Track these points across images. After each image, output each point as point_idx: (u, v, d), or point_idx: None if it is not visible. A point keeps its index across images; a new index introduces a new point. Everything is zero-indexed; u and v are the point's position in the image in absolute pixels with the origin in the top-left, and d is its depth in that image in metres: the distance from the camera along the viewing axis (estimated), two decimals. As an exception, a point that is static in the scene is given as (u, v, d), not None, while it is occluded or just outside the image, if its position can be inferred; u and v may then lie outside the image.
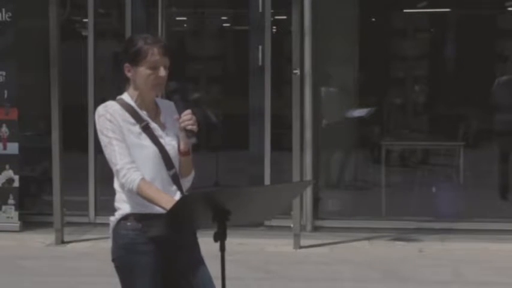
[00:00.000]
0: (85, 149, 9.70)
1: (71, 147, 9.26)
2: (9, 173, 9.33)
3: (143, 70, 3.94)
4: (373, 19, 11.47)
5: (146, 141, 3.96)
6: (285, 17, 9.85)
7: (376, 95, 11.12)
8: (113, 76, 9.43)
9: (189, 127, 3.94)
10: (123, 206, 3.99)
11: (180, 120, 3.96)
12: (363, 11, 10.66)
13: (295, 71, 8.61)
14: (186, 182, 4.10)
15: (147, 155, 3.94)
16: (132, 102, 4.00)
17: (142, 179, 3.87)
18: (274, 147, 9.61)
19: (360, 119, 10.60)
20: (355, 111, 10.61)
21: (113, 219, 4.03)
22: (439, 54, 11.36)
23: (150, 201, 3.87)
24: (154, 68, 3.93)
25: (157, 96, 4.13)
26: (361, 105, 10.69)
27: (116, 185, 4.01)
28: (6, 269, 7.89)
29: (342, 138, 10.45)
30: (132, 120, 3.96)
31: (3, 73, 9.25)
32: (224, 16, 11.66)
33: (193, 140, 3.98)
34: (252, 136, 9.93)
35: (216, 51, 11.27)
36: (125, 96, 4.03)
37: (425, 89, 11.40)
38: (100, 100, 9.74)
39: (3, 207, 9.34)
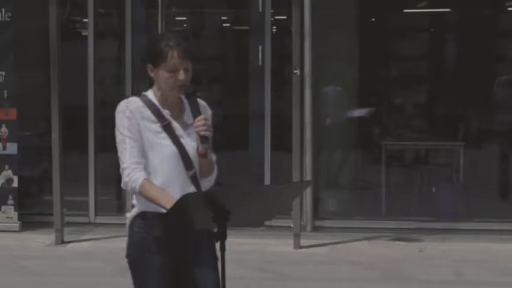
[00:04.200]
0: (85, 149, 9.70)
1: (71, 147, 9.26)
2: (8, 173, 9.32)
3: (163, 73, 3.95)
4: (373, 19, 11.47)
5: (166, 140, 3.96)
6: (285, 17, 9.85)
7: (376, 95, 11.11)
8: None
9: (202, 133, 3.95)
10: (139, 203, 4.00)
11: (194, 126, 3.97)
12: (363, 11, 10.66)
13: (295, 71, 8.61)
14: (207, 182, 4.10)
15: (165, 154, 3.95)
16: (155, 100, 4.01)
17: (146, 179, 3.88)
18: (274, 147, 9.61)
19: (360, 119, 10.59)
20: (356, 111, 10.61)
21: (128, 216, 4.07)
22: (439, 54, 11.35)
23: (152, 200, 3.87)
24: (174, 71, 3.93)
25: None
26: (361, 105, 10.68)
27: None
28: (6, 269, 7.89)
29: (342, 138, 10.45)
30: (153, 117, 3.97)
31: (3, 73, 9.25)
32: (224, 16, 11.65)
33: (207, 146, 3.95)
34: (252, 136, 9.93)
35: (216, 51, 11.26)
36: (149, 93, 4.05)
37: (425, 89, 11.39)
38: (100, 100, 9.84)
39: (3, 208, 9.33)
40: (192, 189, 3.98)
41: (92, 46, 9.73)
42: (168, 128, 3.97)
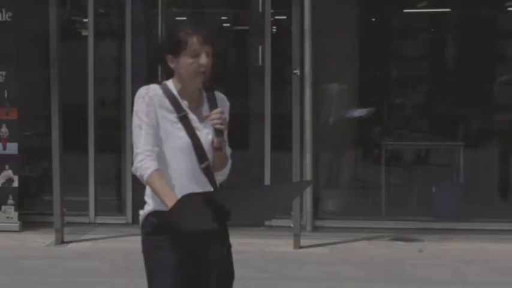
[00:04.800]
0: (85, 149, 9.70)
1: (71, 147, 9.26)
2: (8, 173, 9.33)
3: (185, 59, 3.98)
4: (373, 19, 11.46)
5: (181, 131, 3.97)
6: (285, 17, 9.84)
7: (376, 94, 11.11)
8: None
9: (217, 126, 3.95)
10: (151, 201, 4.01)
11: (209, 118, 3.97)
12: (363, 11, 10.66)
13: (295, 71, 8.61)
14: (220, 176, 4.10)
15: (179, 145, 3.96)
16: (174, 91, 4.02)
17: (157, 169, 3.89)
18: (274, 147, 9.60)
19: (360, 119, 10.59)
20: (356, 111, 10.61)
21: (141, 213, 4.08)
22: (439, 54, 11.35)
23: (156, 193, 3.89)
24: (196, 56, 3.97)
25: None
26: (361, 105, 10.68)
27: None
28: (6, 269, 7.89)
29: (342, 138, 10.45)
30: (170, 107, 3.98)
31: (3, 73, 9.25)
32: (224, 16, 11.65)
33: (221, 139, 3.95)
34: (252, 136, 9.93)
35: (216, 51, 11.24)
36: (169, 83, 4.06)
37: (425, 89, 11.39)
38: (100, 100, 9.82)
39: (3, 207, 9.34)
40: (205, 181, 3.99)
41: (92, 46, 9.73)
42: (184, 120, 3.98)
